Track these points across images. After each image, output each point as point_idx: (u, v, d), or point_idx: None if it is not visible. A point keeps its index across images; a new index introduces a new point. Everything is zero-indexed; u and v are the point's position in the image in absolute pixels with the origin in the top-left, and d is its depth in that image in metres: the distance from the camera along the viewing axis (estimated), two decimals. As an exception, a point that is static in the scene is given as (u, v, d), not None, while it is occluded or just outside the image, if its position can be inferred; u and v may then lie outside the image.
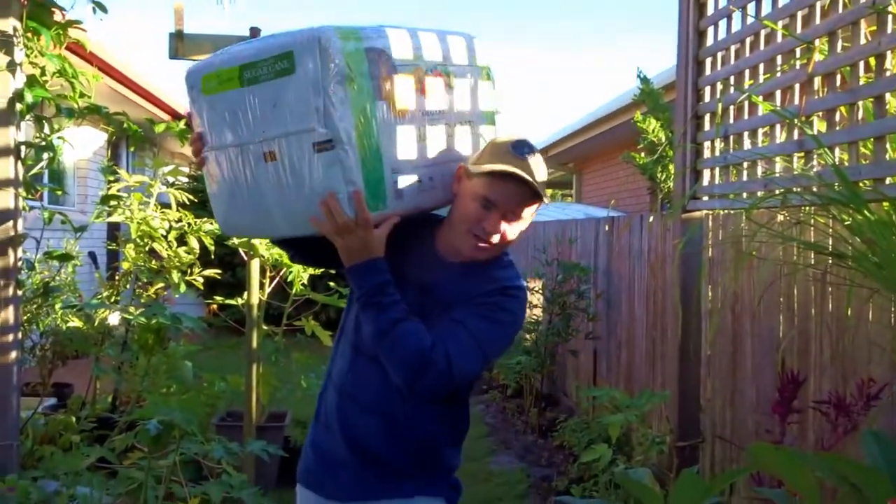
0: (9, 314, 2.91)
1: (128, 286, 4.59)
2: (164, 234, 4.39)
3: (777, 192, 2.43)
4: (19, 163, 2.93)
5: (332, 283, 4.30)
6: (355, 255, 1.65)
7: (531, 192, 1.69)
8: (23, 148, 2.95)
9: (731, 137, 2.91)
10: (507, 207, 1.70)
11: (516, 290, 1.78)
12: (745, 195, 2.76)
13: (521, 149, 1.71)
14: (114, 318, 4.64)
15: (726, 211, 3.77)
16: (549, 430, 5.56)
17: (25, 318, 4.37)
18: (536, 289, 5.76)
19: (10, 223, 2.90)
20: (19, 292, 2.97)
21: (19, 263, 2.97)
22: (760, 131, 2.75)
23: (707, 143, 3.10)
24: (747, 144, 2.83)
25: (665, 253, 4.47)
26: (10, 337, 2.92)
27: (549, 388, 6.52)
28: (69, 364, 5.46)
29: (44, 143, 2.97)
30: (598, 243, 5.76)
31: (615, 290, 5.38)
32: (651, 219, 4.71)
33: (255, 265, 3.98)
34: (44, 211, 3.01)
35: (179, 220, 4.46)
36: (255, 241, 3.97)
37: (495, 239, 1.71)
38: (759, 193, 2.59)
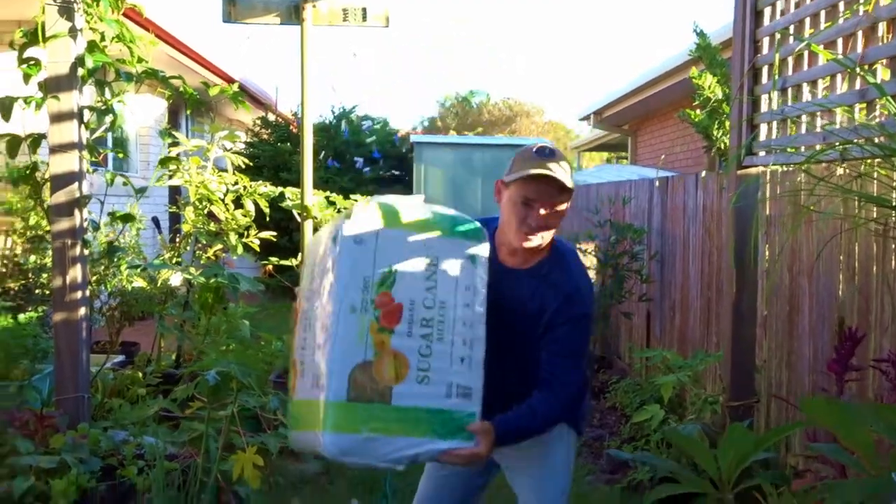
0: (77, 273, 3.04)
1: (188, 248, 4.72)
2: (222, 196, 4.49)
3: (837, 144, 2.35)
4: (82, 126, 3.04)
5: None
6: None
7: (559, 186, 1.97)
8: (85, 112, 3.05)
9: (790, 90, 2.82)
10: (544, 201, 1.98)
11: (574, 288, 2.05)
12: (802, 149, 2.68)
13: (542, 153, 2.01)
14: (176, 279, 4.80)
15: (783, 167, 3.67)
16: (601, 392, 5.55)
17: (93, 279, 4.55)
18: (589, 251, 5.71)
19: (75, 185, 3.01)
20: (86, 252, 3.09)
21: (85, 224, 3.10)
22: (820, 82, 2.65)
23: (764, 97, 3.01)
24: (806, 97, 2.74)
25: (720, 212, 4.38)
26: (79, 294, 3.05)
27: (602, 351, 6.50)
28: (135, 325, 5.68)
29: (105, 107, 3.06)
30: (652, 204, 5.67)
31: (669, 251, 5.30)
32: (705, 175, 4.60)
33: (308, 226, 4.05)
34: (106, 173, 3.11)
35: (236, 184, 4.55)
36: (309, 203, 4.04)
37: (541, 233, 2.00)
38: (818, 147, 2.51)
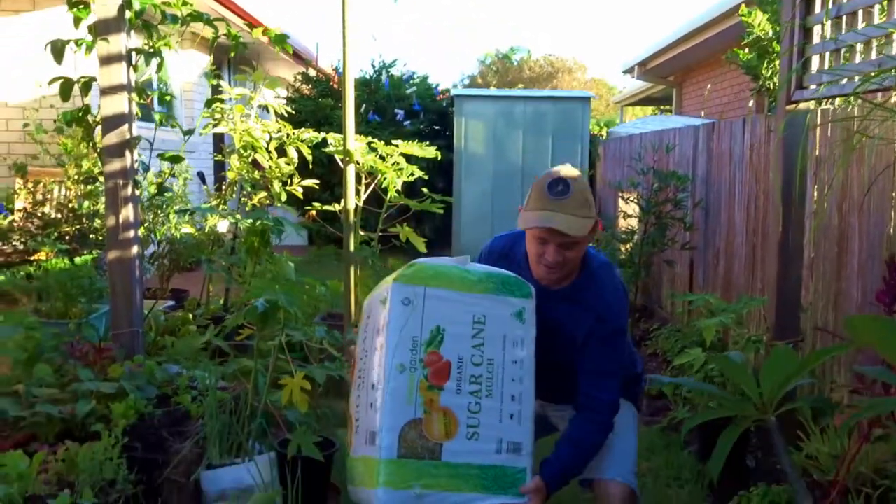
0: (129, 212, 3.13)
1: (233, 195, 4.81)
2: (265, 144, 4.55)
3: (894, 70, 2.28)
4: (131, 69, 3.10)
5: (424, 189, 4.37)
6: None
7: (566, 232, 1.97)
8: (133, 54, 3.11)
9: (844, 18, 2.73)
10: (558, 241, 2.01)
11: (605, 306, 2.09)
12: (856, 79, 2.60)
13: (554, 189, 1.99)
14: (222, 226, 4.90)
15: (834, 105, 3.57)
16: (642, 340, 5.55)
17: (143, 226, 4.68)
18: (631, 198, 5.66)
19: (125, 126, 3.08)
20: (137, 192, 3.18)
21: (136, 165, 3.18)
22: (877, 8, 2.56)
23: (817, 28, 2.92)
24: (861, 26, 2.64)
25: (768, 155, 4.29)
26: (131, 233, 3.15)
27: (643, 301, 6.47)
28: (184, 275, 5.82)
29: (152, 50, 3.11)
30: (697, 151, 5.57)
31: (714, 199, 5.22)
32: (752, 117, 4.50)
33: (350, 171, 4.08)
34: (155, 114, 3.17)
35: (279, 131, 4.61)
36: (351, 148, 4.07)
37: (559, 267, 2.04)
38: (873, 73, 2.44)
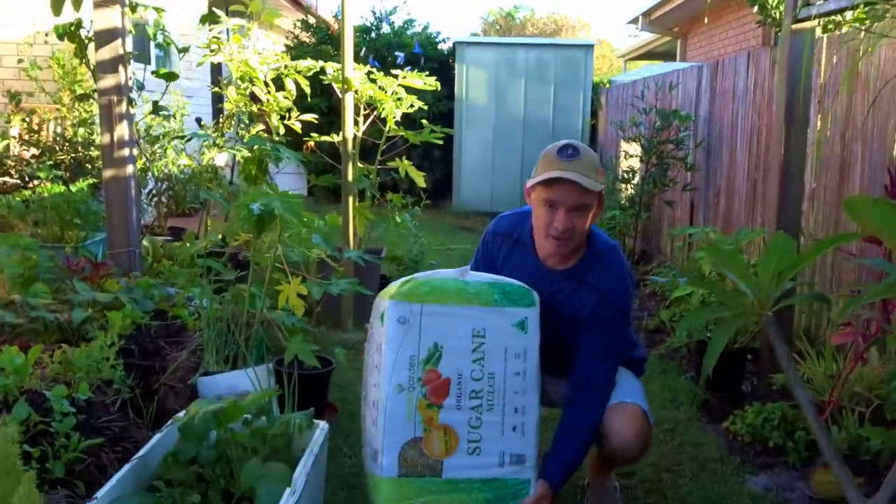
0: (123, 130, 3.10)
1: (230, 128, 4.77)
2: (263, 77, 4.49)
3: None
4: (123, -19, 3.04)
5: (424, 121, 4.32)
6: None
7: (582, 187, 1.93)
8: (126, -32, 3.05)
9: (853, -70, 2.65)
10: (568, 204, 1.95)
11: (610, 286, 2.06)
12: (864, -9, 2.54)
13: (564, 152, 1.97)
14: (220, 160, 4.87)
15: (839, 30, 3.51)
16: (640, 282, 5.55)
17: (140, 161, 4.64)
18: (632, 138, 5.60)
19: (118, 41, 3.04)
20: (132, 110, 3.14)
21: (130, 83, 3.13)
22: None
23: (825, -58, 2.85)
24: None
25: (772, 89, 4.23)
26: (126, 151, 3.12)
27: (642, 245, 6.46)
28: (183, 219, 5.81)
29: (144, -38, 3.04)
30: (700, 90, 5.50)
31: (716, 138, 5.17)
32: (757, 52, 4.42)
33: (349, 99, 4.03)
34: (148, 28, 3.11)
35: (277, 63, 4.54)
36: (350, 76, 4.01)
37: (569, 236, 1.99)
38: (881, -18, 2.38)
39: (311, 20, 11.55)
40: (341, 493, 2.38)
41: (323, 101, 9.11)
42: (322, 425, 2.21)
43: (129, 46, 3.07)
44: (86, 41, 3.13)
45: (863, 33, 3.15)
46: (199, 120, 9.03)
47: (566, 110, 9.60)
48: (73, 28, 3.05)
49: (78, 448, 1.80)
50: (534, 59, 9.58)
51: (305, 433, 2.15)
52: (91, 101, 4.53)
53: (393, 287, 1.97)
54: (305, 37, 10.93)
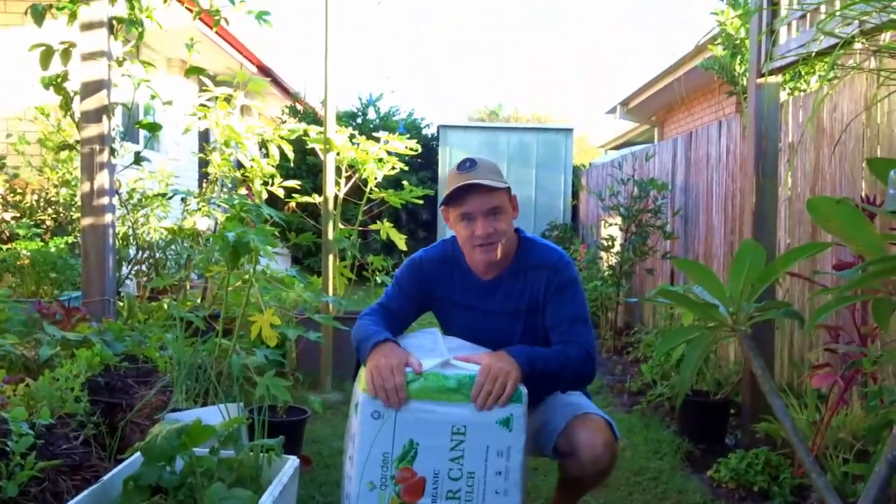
0: (104, 179, 3.13)
1: (213, 193, 4.81)
2: (248, 143, 4.57)
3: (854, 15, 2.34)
4: (111, 36, 3.13)
5: (405, 182, 4.38)
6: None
7: (488, 189, 2.00)
8: (114, 23, 3.15)
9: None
10: (481, 209, 2.02)
11: (557, 258, 2.12)
12: (822, 40, 2.66)
13: (462, 166, 2.06)
14: (202, 224, 4.89)
15: (803, 90, 3.66)
16: (623, 350, 5.53)
17: (123, 224, 4.65)
18: (611, 206, 5.69)
19: (104, 93, 3.11)
20: (114, 160, 3.18)
21: (112, 133, 3.18)
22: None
23: (784, 2, 3.01)
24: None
25: (744, 154, 4.36)
26: (105, 200, 3.13)
27: (626, 318, 6.46)
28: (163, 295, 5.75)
29: (133, 19, 3.15)
30: (676, 162, 5.65)
31: (692, 205, 5.28)
32: (728, 120, 4.57)
33: (330, 159, 4.10)
34: (135, 80, 3.18)
35: (261, 129, 4.63)
36: (332, 136, 4.09)
37: (494, 240, 2.03)
38: (836, 30, 2.50)
39: (299, 107, 11.86)
40: (312, 536, 2.27)
41: (305, 168, 9.28)
42: (293, 459, 2.14)
43: (112, 97, 3.13)
44: (71, 94, 3.19)
45: (825, 88, 3.28)
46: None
47: (548, 191, 9.79)
48: (58, 80, 3.11)
49: (34, 468, 1.72)
50: (516, 142, 9.84)
51: (275, 465, 2.08)
52: (73, 153, 4.56)
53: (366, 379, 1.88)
54: (293, 122, 11.20)
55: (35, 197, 4.59)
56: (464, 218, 2.05)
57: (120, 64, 3.13)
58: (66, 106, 3.18)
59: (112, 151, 3.14)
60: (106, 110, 3.09)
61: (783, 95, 3.50)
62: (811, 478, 1.67)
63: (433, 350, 2.01)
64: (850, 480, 2.47)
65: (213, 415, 2.28)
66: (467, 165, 2.06)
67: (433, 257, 2.23)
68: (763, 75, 3.10)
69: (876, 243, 1.57)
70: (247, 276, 2.46)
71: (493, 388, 1.82)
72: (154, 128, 3.24)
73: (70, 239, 4.08)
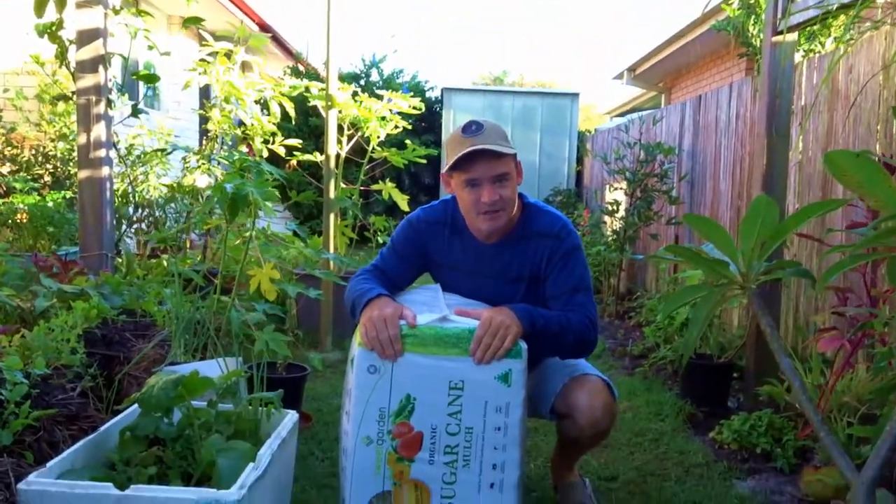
0: (100, 131, 3.07)
1: (213, 151, 4.74)
2: (248, 99, 4.49)
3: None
4: (108, -17, 3.04)
5: (408, 142, 4.31)
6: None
7: (496, 155, 1.91)
8: (111, -30, 3.06)
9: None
10: (487, 175, 1.93)
11: (560, 226, 2.06)
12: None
13: (468, 129, 1.95)
14: (201, 181, 4.82)
15: (818, 52, 3.57)
16: (625, 314, 5.50)
17: (121, 182, 4.59)
18: (616, 170, 5.62)
19: (100, 42, 3.03)
20: (111, 112, 3.11)
21: (109, 84, 3.11)
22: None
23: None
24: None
25: (754, 117, 4.28)
26: (102, 152, 3.08)
27: (628, 284, 6.43)
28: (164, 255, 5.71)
29: (129, -33, 3.06)
30: (683, 126, 5.56)
31: (699, 171, 5.21)
32: (739, 83, 4.48)
33: (332, 116, 4.03)
34: (130, 27, 3.10)
35: (261, 85, 4.55)
36: (333, 93, 4.02)
37: (499, 208, 1.95)
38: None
39: (301, 68, 11.71)
40: (311, 491, 2.26)
41: (307, 130, 9.19)
42: (292, 413, 2.11)
43: (109, 47, 3.05)
44: (67, 43, 3.11)
45: (841, 48, 3.19)
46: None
47: (552, 156, 9.70)
48: (53, 28, 3.03)
49: (29, 417, 1.70)
50: (520, 106, 9.72)
51: (274, 419, 2.06)
52: (71, 106, 4.46)
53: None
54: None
55: (32, 151, 4.52)
56: (469, 184, 1.96)
57: (116, 13, 3.05)
58: (61, 55, 3.11)
59: (109, 103, 3.07)
60: (102, 60, 3.02)
61: (797, 57, 3.41)
62: (819, 437, 1.64)
63: (432, 305, 1.97)
64: (853, 443, 2.44)
65: (212, 368, 2.25)
66: (473, 129, 1.96)
67: (431, 218, 2.15)
68: (779, 33, 3.01)
69: (892, 197, 1.51)
70: (246, 234, 2.40)
71: (492, 341, 1.78)
72: (151, 79, 3.16)
73: (68, 194, 4.03)
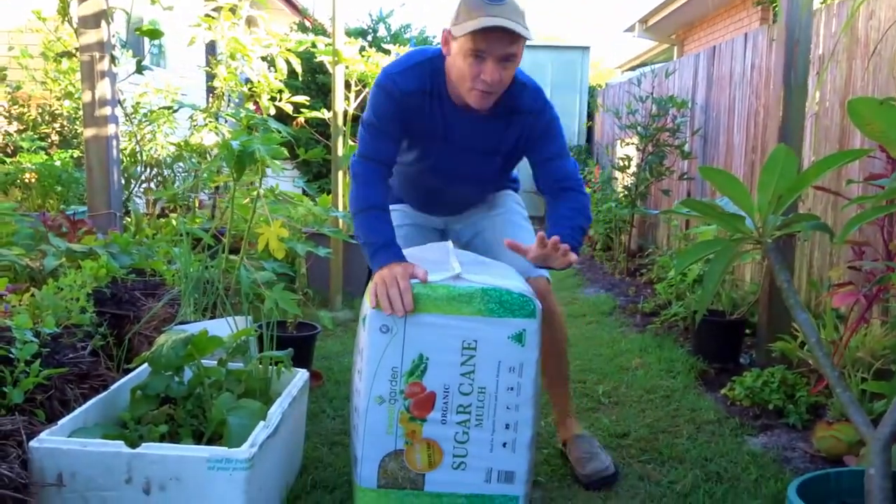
0: (105, 88, 3.02)
1: (220, 108, 4.69)
2: (254, 55, 4.42)
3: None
4: (108, -64, 2.97)
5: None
6: None
7: (511, 32, 1.80)
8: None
9: None
10: (498, 53, 1.83)
11: (541, 104, 2.06)
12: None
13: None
14: (209, 139, 4.79)
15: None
16: (636, 272, 5.47)
17: (128, 147, 4.56)
18: (628, 125, 5.53)
19: (102, -5, 2.96)
20: (114, 68, 3.06)
21: (112, 40, 3.06)
22: None
23: None
24: None
25: (770, 68, 4.17)
26: (108, 110, 3.04)
27: (639, 241, 6.38)
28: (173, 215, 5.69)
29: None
30: (697, 79, 5.45)
31: (713, 125, 5.11)
32: (755, 32, 4.37)
33: (339, 72, 3.97)
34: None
35: (267, 42, 4.48)
36: (339, 48, 3.94)
37: (495, 87, 1.87)
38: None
39: (308, 24, 11.54)
40: (323, 448, 2.27)
41: (315, 88, 9.10)
42: (302, 372, 2.12)
43: (111, 2, 2.99)
44: (69, -1, 3.06)
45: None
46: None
47: (563, 112, 9.49)
48: (55, -18, 2.98)
49: (40, 375, 1.70)
50: (529, 61, 9.52)
51: (284, 378, 2.06)
52: (75, 63, 4.41)
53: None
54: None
55: (38, 110, 4.48)
56: (474, 54, 1.83)
57: None
58: (63, 11, 3.06)
59: (113, 59, 3.03)
60: (104, 15, 2.96)
61: (815, 3, 3.30)
62: (835, 392, 1.62)
63: (442, 263, 1.94)
64: (867, 398, 2.43)
65: (221, 327, 2.25)
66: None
67: (412, 89, 1.96)
68: (797, -21, 2.92)
69: (921, 147, 1.47)
70: (254, 192, 2.38)
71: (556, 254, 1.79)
72: (155, 34, 3.10)
73: (75, 153, 4.01)
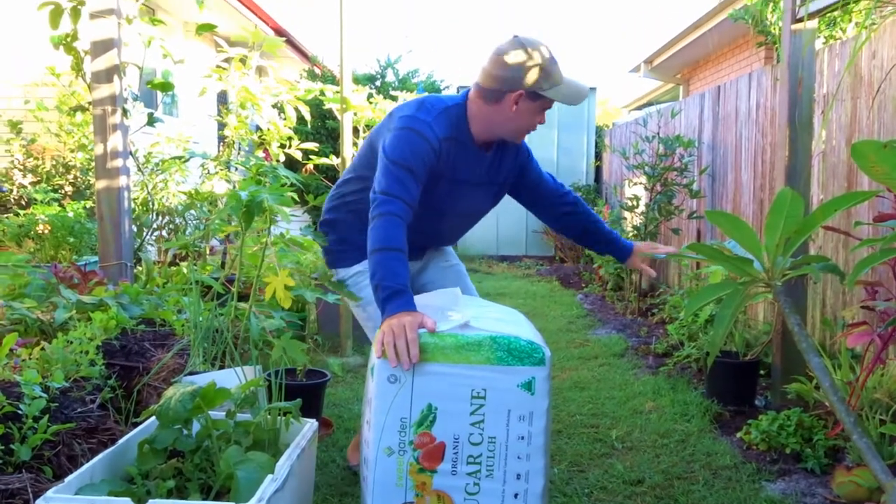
0: (117, 140, 3.07)
1: (231, 156, 4.75)
2: (263, 103, 4.49)
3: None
4: (120, -7, 3.05)
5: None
6: None
7: None
8: (123, -20, 3.06)
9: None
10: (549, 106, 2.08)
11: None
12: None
13: (557, 63, 2.04)
14: (220, 187, 4.83)
15: (838, 39, 3.49)
16: (648, 311, 5.44)
17: (140, 197, 4.61)
18: (635, 165, 5.55)
19: (114, 52, 3.03)
20: (126, 121, 3.11)
21: (124, 94, 3.11)
22: None
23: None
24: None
25: (774, 107, 4.20)
26: (119, 162, 3.08)
27: (649, 281, 6.35)
28: (184, 263, 5.73)
29: (142, -25, 3.06)
30: (703, 118, 5.48)
31: (720, 163, 5.13)
32: (758, 72, 4.40)
33: (347, 119, 4.01)
34: (142, 36, 3.10)
35: (276, 91, 4.55)
36: (347, 95, 4.00)
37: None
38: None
39: (317, 71, 11.73)
40: (333, 500, 2.24)
41: (325, 132, 9.20)
42: (311, 422, 2.10)
43: (123, 57, 3.05)
44: (82, 54, 3.12)
45: (863, 33, 3.12)
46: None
47: (570, 152, 9.62)
48: (68, 39, 3.04)
49: (48, 431, 1.69)
50: (537, 103, 9.64)
51: (293, 428, 2.04)
52: (89, 116, 4.50)
53: None
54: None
55: (53, 162, 4.55)
56: (542, 110, 2.06)
57: (130, 22, 3.05)
58: (77, 67, 3.12)
59: (124, 112, 3.08)
60: (117, 70, 3.02)
61: (818, 44, 3.33)
62: (852, 438, 1.59)
63: (452, 310, 1.94)
64: (886, 442, 2.38)
65: (230, 378, 2.25)
66: (559, 63, 2.06)
67: (444, 136, 2.02)
68: (799, 20, 2.95)
69: (926, 190, 1.46)
70: (264, 239, 2.39)
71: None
72: (166, 87, 3.16)
73: (88, 203, 4.05)
